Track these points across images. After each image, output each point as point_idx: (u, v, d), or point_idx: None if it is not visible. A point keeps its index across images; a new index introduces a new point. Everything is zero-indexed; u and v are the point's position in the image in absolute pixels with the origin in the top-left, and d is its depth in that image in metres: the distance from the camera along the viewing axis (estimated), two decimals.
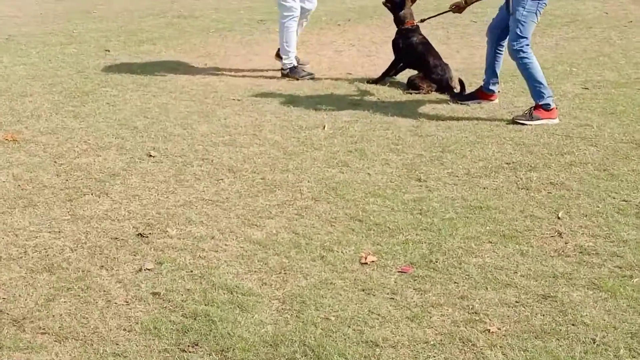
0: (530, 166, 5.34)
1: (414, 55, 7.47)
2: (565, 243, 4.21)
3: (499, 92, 6.98)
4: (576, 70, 8.09)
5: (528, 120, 6.24)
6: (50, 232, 4.35)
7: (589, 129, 6.13)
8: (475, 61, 8.46)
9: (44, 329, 3.39)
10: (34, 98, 7.03)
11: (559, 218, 4.53)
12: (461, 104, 6.87)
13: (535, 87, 6.26)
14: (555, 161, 5.44)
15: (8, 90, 7.28)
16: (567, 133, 6.05)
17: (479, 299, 3.63)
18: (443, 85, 7.29)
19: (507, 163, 5.42)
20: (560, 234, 4.32)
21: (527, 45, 6.18)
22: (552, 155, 5.57)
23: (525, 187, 4.97)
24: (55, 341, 3.31)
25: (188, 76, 7.97)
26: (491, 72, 6.76)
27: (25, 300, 3.62)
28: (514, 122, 6.28)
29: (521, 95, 6.98)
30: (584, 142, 5.83)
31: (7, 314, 3.50)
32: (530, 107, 6.32)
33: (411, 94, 7.24)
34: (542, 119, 6.23)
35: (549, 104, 6.27)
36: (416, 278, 3.84)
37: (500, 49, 6.65)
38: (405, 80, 7.64)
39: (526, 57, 6.18)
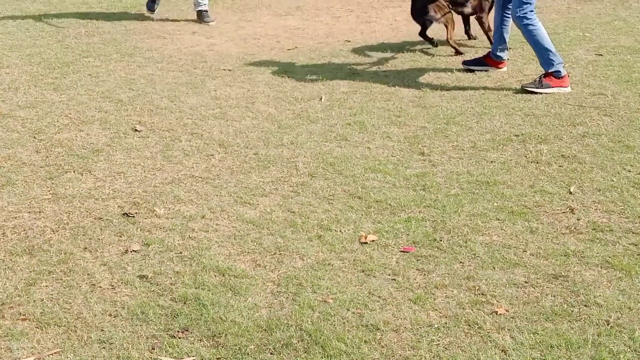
0: (541, 138, 5.34)
1: None
2: (578, 219, 4.22)
3: (507, 59, 6.96)
4: (589, 35, 8.07)
5: (538, 87, 6.23)
6: (30, 212, 4.36)
7: (603, 97, 6.12)
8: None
9: (24, 314, 3.40)
10: (11, 70, 7.00)
11: (570, 193, 4.53)
12: (467, 69, 6.87)
13: (543, 55, 6.25)
14: (567, 132, 5.44)
15: None
16: (580, 102, 6.04)
17: (485, 280, 3.64)
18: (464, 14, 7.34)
19: (515, 135, 5.42)
20: (572, 209, 4.32)
21: (532, 11, 6.19)
22: (564, 126, 5.56)
23: (535, 161, 4.98)
24: (37, 327, 3.32)
25: (176, 45, 7.94)
26: (499, 36, 6.75)
27: (4, 284, 3.63)
28: (522, 90, 6.28)
29: (531, 63, 6.97)
30: (598, 112, 5.82)
31: None
32: (540, 75, 6.32)
33: (419, 60, 7.19)
34: (552, 87, 6.23)
35: (559, 72, 6.26)
36: (419, 258, 3.85)
37: (507, 12, 6.64)
38: (406, 48, 7.63)
39: (531, 24, 6.18)
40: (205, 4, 8.89)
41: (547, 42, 6.25)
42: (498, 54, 6.82)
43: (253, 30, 8.63)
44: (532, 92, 6.22)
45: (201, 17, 8.90)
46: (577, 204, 4.39)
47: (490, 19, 7.23)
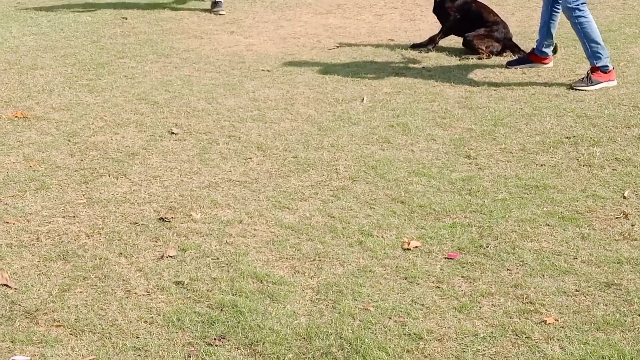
0: (594, 140, 5.32)
1: (468, 17, 7.52)
2: (632, 225, 4.20)
3: (553, 54, 6.98)
4: None
5: (588, 85, 6.29)
6: (64, 216, 4.44)
7: None
8: (533, 24, 8.39)
9: (58, 321, 3.47)
10: (45, 71, 7.13)
11: (624, 198, 4.51)
12: (511, 68, 6.91)
13: (591, 48, 6.29)
14: (621, 134, 5.41)
15: (17, 63, 7.39)
16: (635, 103, 6.00)
17: (534, 288, 3.64)
18: (506, 45, 7.33)
19: (567, 137, 5.40)
20: (626, 215, 4.30)
21: (584, 3, 6.23)
22: (618, 127, 5.53)
23: (588, 164, 4.96)
24: (71, 334, 3.38)
25: (213, 45, 8.02)
26: (545, 31, 6.78)
27: (39, 290, 3.71)
28: (572, 89, 6.31)
29: (583, 62, 6.92)
30: None
31: (20, 305, 3.59)
32: (588, 72, 6.35)
33: (468, 59, 7.23)
34: (601, 82, 6.30)
35: (607, 66, 6.32)
36: (464, 265, 3.86)
37: (557, 6, 6.66)
38: (453, 47, 7.63)
39: (582, 16, 6.22)
40: None
41: (597, 35, 6.29)
42: (543, 49, 6.88)
43: (293, 29, 8.68)
44: (582, 91, 6.23)
45: (214, 6, 9.38)
46: (632, 209, 4.36)
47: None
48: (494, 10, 7.68)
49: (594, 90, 6.23)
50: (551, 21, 6.73)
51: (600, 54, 6.28)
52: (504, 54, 7.31)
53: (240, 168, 5.03)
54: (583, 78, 6.35)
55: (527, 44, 7.49)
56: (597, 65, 6.29)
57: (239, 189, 4.74)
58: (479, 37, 7.32)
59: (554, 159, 5.05)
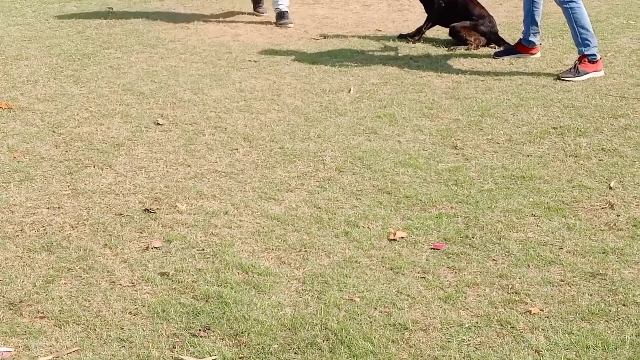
0: (580, 131, 5.34)
1: (454, 8, 7.52)
2: (617, 215, 4.22)
3: (541, 44, 7.00)
4: (634, 23, 8.03)
5: (575, 76, 6.31)
6: (48, 208, 4.43)
7: None
8: (520, 15, 8.37)
9: (42, 312, 3.48)
10: (30, 62, 7.11)
11: (610, 188, 4.53)
12: (498, 58, 6.93)
13: (581, 34, 6.32)
14: (607, 125, 5.44)
15: (1, 53, 7.37)
16: (622, 93, 6.03)
17: (519, 278, 3.66)
18: (492, 39, 7.36)
19: (553, 128, 5.42)
20: (612, 205, 4.33)
21: None
22: (605, 118, 5.56)
23: (574, 154, 4.98)
24: (55, 326, 3.39)
25: (199, 36, 8.01)
26: (530, 20, 6.80)
27: (23, 282, 3.71)
28: (559, 79, 6.33)
29: (571, 52, 6.95)
30: None
31: (3, 296, 3.59)
32: (575, 62, 6.37)
33: (455, 50, 7.25)
34: (589, 72, 6.31)
35: (594, 55, 6.35)
36: (450, 255, 3.88)
37: None
38: (440, 37, 7.65)
39: (574, 1, 6.28)
40: (283, 4, 8.36)
41: (587, 22, 6.33)
42: (530, 39, 6.89)
43: None
44: (569, 81, 6.27)
45: (280, 18, 8.38)
46: (617, 200, 4.39)
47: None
48: (481, 2, 7.68)
49: (581, 81, 6.27)
50: (534, 9, 6.74)
51: (589, 41, 6.31)
52: (491, 46, 7.34)
53: (226, 159, 5.04)
54: (570, 69, 6.38)
55: (515, 35, 7.51)
56: (585, 53, 6.31)
57: (225, 180, 4.75)
58: (466, 28, 7.34)
59: (540, 150, 5.08)
